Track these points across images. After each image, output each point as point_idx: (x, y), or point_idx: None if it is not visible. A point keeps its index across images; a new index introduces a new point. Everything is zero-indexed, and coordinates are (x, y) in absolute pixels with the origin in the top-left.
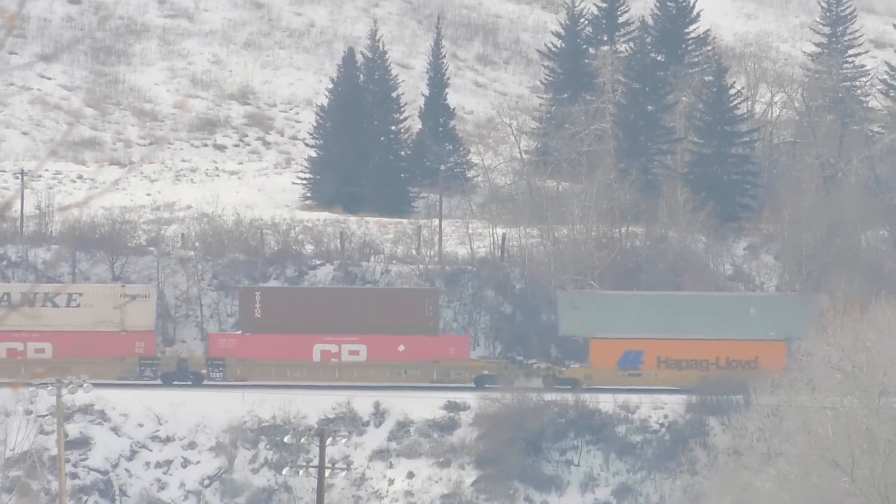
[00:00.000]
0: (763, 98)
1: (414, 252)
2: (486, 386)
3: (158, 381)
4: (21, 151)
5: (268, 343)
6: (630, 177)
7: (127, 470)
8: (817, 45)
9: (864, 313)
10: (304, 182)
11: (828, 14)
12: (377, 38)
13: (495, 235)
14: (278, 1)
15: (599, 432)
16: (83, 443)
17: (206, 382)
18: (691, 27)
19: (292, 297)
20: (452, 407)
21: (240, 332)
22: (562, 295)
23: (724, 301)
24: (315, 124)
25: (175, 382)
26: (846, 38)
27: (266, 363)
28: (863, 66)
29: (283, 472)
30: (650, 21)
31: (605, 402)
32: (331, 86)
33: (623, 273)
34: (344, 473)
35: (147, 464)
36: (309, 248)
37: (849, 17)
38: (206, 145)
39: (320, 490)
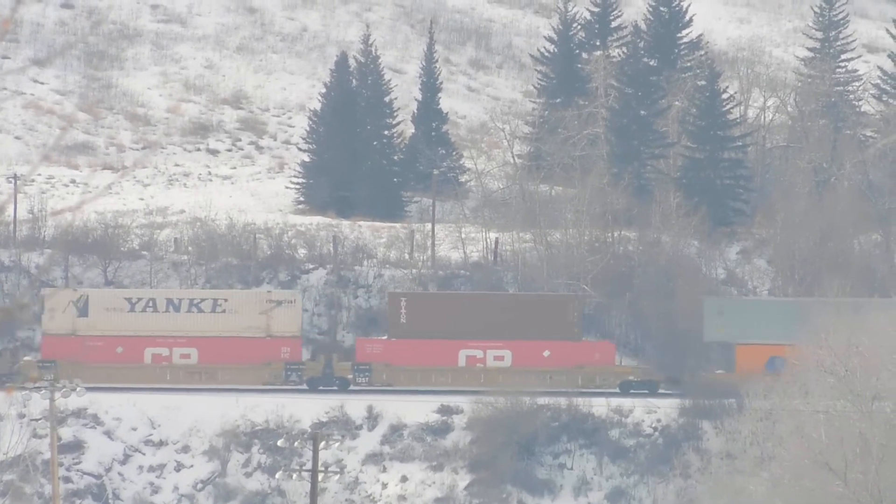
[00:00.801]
0: (756, 103)
1: (407, 256)
2: (631, 391)
3: (304, 387)
4: (14, 156)
5: (414, 348)
6: (623, 181)
7: (120, 474)
8: (810, 49)
9: (857, 317)
10: (297, 186)
11: (820, 19)
12: (370, 42)
13: (488, 240)
14: (271, 6)
15: (592, 436)
16: (77, 446)
17: (352, 388)
18: (684, 32)
19: (438, 302)
20: (445, 411)
21: (386, 337)
22: (707, 301)
23: (869, 305)
24: (308, 129)
25: (321, 388)
26: (839, 43)
27: (412, 368)
28: (855, 70)
29: (277, 475)
30: (643, 26)
31: (599, 406)
32: (324, 90)
33: (616, 277)
34: (337, 477)
35: (140, 468)
36: (302, 252)
37: (841, 21)
38: (199, 150)
39: (314, 494)
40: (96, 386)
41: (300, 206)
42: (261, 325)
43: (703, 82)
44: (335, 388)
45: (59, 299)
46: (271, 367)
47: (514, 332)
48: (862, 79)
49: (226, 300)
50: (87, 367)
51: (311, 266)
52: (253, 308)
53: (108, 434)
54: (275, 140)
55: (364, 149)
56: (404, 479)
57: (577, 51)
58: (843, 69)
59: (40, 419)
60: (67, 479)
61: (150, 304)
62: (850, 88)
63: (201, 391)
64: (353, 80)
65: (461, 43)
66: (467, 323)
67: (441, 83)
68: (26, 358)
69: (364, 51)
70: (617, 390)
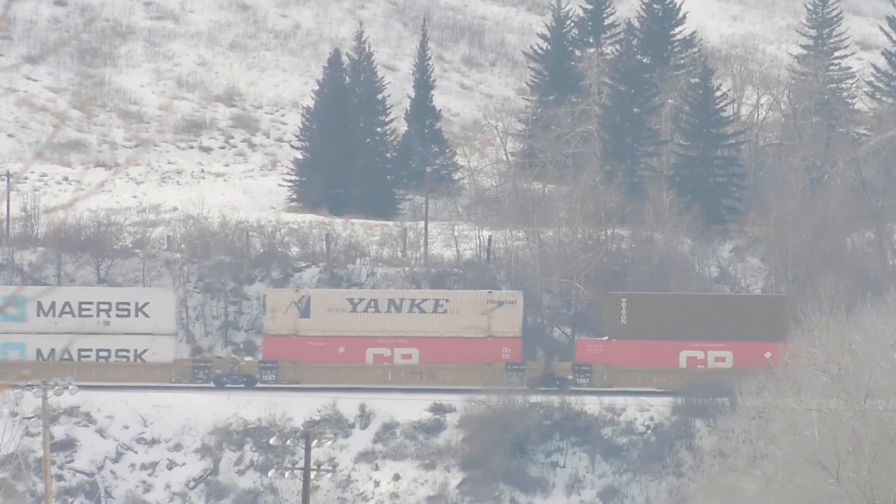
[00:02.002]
0: (749, 100)
1: (400, 254)
2: None
3: (525, 387)
4: (6, 153)
5: (634, 349)
6: (616, 179)
7: (112, 472)
8: (803, 47)
9: (850, 315)
10: (290, 184)
11: (814, 16)
12: (363, 39)
13: (481, 237)
14: (264, 3)
15: (585, 434)
16: (69, 445)
17: (572, 388)
18: (677, 29)
19: (659, 303)
20: (438, 409)
21: (606, 338)
22: None
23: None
24: (301, 126)
25: (541, 388)
26: (832, 41)
27: (632, 369)
28: (849, 68)
29: (269, 473)
30: (636, 23)
31: (591, 404)
32: (316, 88)
33: (609, 275)
34: (329, 475)
35: (132, 466)
36: (294, 250)
37: (835, 19)
38: (191, 147)
39: (306, 492)
40: (88, 384)
41: (293, 204)
42: (482, 326)
43: (697, 80)
44: (555, 388)
45: (281, 300)
46: (492, 368)
47: (735, 333)
48: (855, 76)
49: (447, 300)
50: (308, 368)
51: (303, 264)
52: (474, 308)
53: (101, 432)
54: (268, 137)
55: (357, 146)
56: (397, 477)
57: (571, 48)
58: (837, 66)
59: (33, 417)
60: (60, 478)
61: (372, 304)
62: (843, 86)
63: (192, 389)
64: (347, 78)
65: (454, 40)
66: (688, 323)
67: (434, 80)
68: (247, 358)
69: (357, 48)
70: None
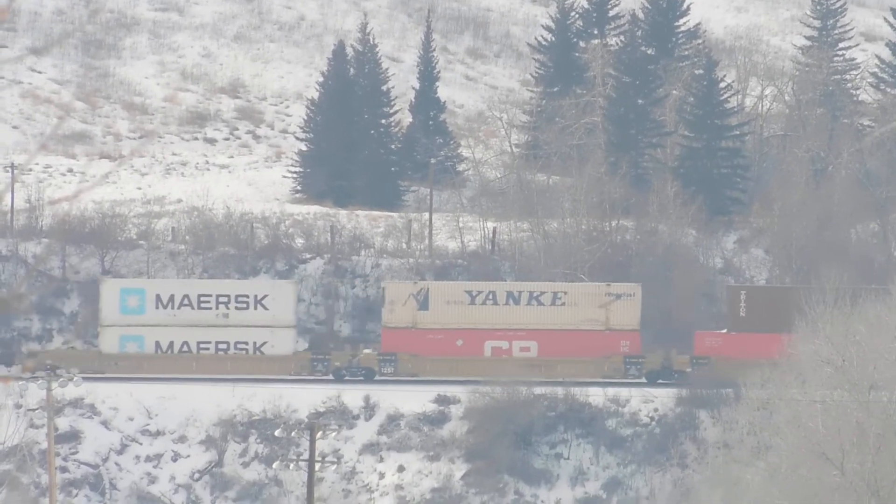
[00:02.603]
0: (753, 91)
1: (404, 246)
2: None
3: (643, 380)
4: (11, 145)
5: (753, 342)
6: (620, 170)
7: (117, 464)
8: (808, 38)
9: (855, 307)
10: (295, 175)
11: (818, 7)
12: (367, 31)
13: (486, 229)
14: None
15: (589, 426)
16: (73, 436)
17: (689, 382)
18: (681, 21)
19: (778, 295)
20: (442, 400)
21: (725, 330)
22: None
23: None
24: (305, 118)
25: (659, 381)
26: (836, 32)
27: (750, 362)
28: (853, 59)
29: (274, 465)
30: (640, 14)
31: (595, 396)
32: (321, 79)
33: (613, 267)
34: (334, 467)
35: (137, 457)
36: (299, 241)
37: (839, 10)
38: (196, 139)
39: (310, 484)
40: (92, 377)
41: (297, 196)
42: (600, 318)
43: (701, 71)
44: (673, 381)
45: (400, 292)
46: (610, 361)
47: None
48: (859, 67)
49: (565, 293)
50: (427, 360)
51: (308, 256)
52: (593, 301)
53: (105, 424)
54: (272, 129)
55: (361, 138)
56: (401, 468)
57: (575, 39)
58: (841, 58)
59: (37, 409)
60: (64, 469)
61: (490, 296)
62: (847, 77)
63: (197, 380)
64: (351, 69)
65: (459, 32)
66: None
67: (438, 72)
68: (366, 350)
69: (361, 40)
70: None
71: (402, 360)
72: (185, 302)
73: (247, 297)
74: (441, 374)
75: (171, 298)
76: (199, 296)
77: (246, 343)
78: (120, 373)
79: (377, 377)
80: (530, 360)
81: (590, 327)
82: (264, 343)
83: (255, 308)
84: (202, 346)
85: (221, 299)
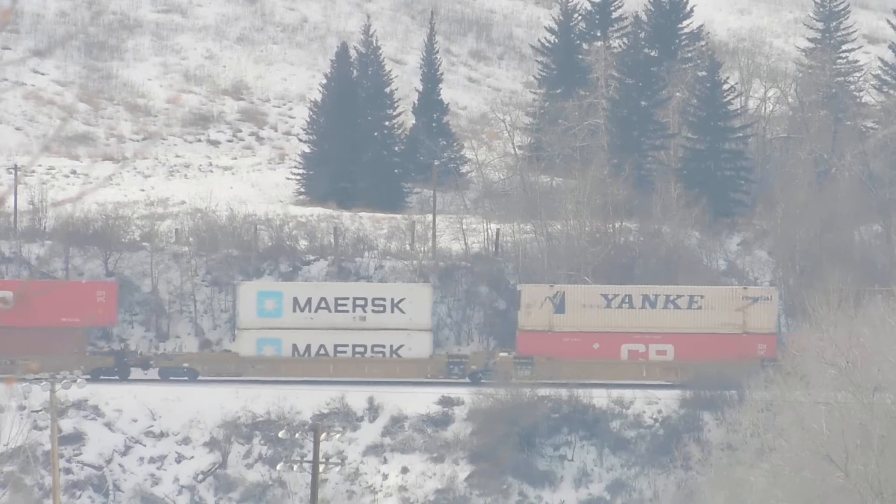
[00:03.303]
0: (756, 93)
1: (408, 247)
2: None
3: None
4: (14, 147)
5: None
6: (623, 172)
7: (121, 465)
8: (811, 40)
9: (858, 308)
10: (298, 177)
11: (821, 9)
12: (370, 33)
13: (489, 231)
14: None
15: (593, 427)
16: (77, 438)
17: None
18: (685, 22)
19: None
20: (446, 402)
21: None
22: None
23: None
24: (308, 119)
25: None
26: (839, 34)
27: None
28: (856, 61)
29: (278, 467)
30: (643, 16)
31: (599, 398)
32: (324, 81)
33: (617, 268)
34: (338, 469)
35: (141, 459)
36: (303, 243)
37: (842, 12)
38: (199, 141)
39: (314, 485)
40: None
41: (301, 197)
42: (737, 322)
43: (704, 73)
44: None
45: (536, 295)
46: (747, 364)
47: None
48: (862, 69)
49: (702, 296)
50: (563, 363)
51: (311, 257)
52: (729, 304)
53: (109, 425)
54: (275, 131)
55: (365, 140)
56: (405, 470)
57: (578, 41)
58: (844, 60)
59: (41, 410)
60: (68, 471)
61: (626, 300)
62: (850, 79)
63: (201, 382)
64: (354, 71)
65: (462, 33)
66: None
67: (442, 74)
68: (502, 354)
69: (365, 41)
70: None
71: (538, 363)
72: (323, 305)
73: (384, 299)
74: (577, 377)
75: (308, 301)
76: (336, 299)
77: (383, 346)
78: (257, 375)
79: (513, 380)
80: (667, 363)
81: (727, 331)
82: (401, 346)
83: (392, 311)
84: (339, 348)
85: (358, 302)
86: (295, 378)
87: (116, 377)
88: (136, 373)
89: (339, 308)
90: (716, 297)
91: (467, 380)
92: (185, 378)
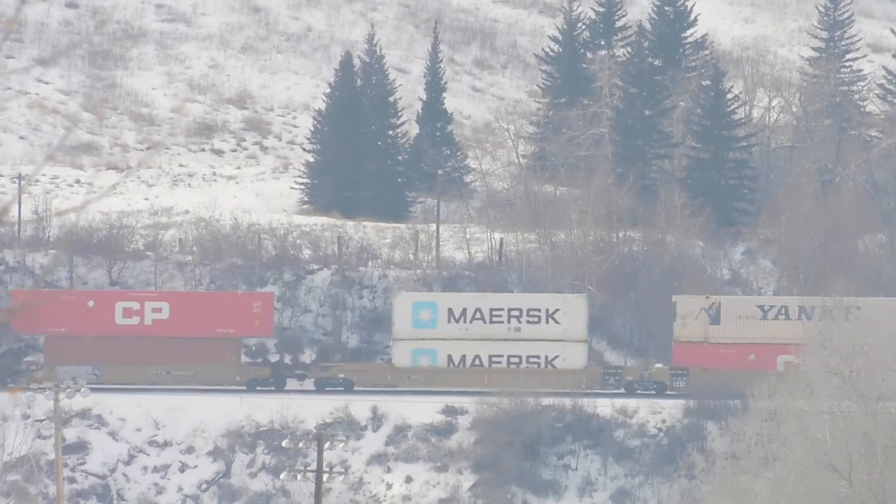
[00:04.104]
0: (761, 102)
1: (411, 257)
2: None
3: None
4: (18, 156)
5: None
6: (628, 181)
7: (125, 474)
8: (815, 49)
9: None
10: (302, 186)
11: (825, 18)
12: (374, 42)
13: (493, 240)
14: (276, 5)
15: (597, 437)
16: (81, 447)
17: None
18: (689, 32)
19: None
20: (450, 411)
21: None
22: None
23: None
24: (312, 129)
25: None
26: (844, 43)
27: None
28: (860, 70)
29: (281, 476)
30: (648, 25)
31: (603, 407)
32: (328, 90)
33: (620, 278)
34: (342, 478)
35: (145, 468)
36: (307, 252)
37: (846, 21)
38: (203, 150)
39: (318, 494)
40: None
41: (305, 207)
42: None
43: (708, 82)
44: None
45: (692, 306)
46: None
47: None
48: (867, 79)
49: (858, 308)
50: (718, 374)
51: (315, 266)
52: (891, 315)
53: (113, 435)
54: (279, 140)
55: (368, 149)
56: (409, 479)
57: (582, 50)
58: (848, 69)
59: (45, 420)
60: (72, 480)
61: (783, 311)
62: (854, 88)
63: (205, 391)
64: (358, 80)
65: (466, 43)
66: None
67: (446, 83)
68: (658, 365)
69: (369, 50)
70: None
71: (693, 374)
72: (478, 316)
73: (538, 310)
74: (733, 388)
75: (464, 312)
76: (491, 310)
77: (538, 357)
78: (412, 386)
79: (667, 392)
80: None
81: None
82: (556, 357)
83: (547, 322)
84: (494, 359)
85: (513, 313)
86: (451, 389)
87: (272, 388)
88: (291, 384)
89: (494, 319)
90: (875, 309)
91: (622, 391)
92: (341, 388)
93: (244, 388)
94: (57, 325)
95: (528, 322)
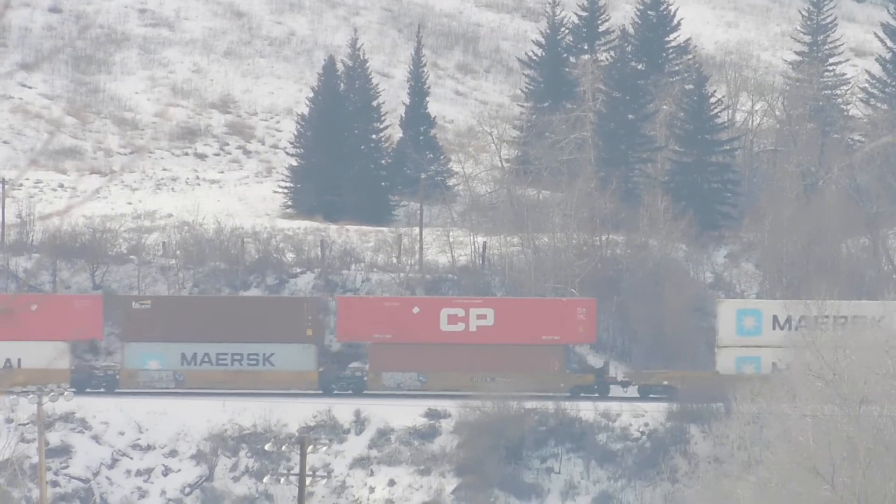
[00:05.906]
0: (744, 106)
1: (394, 260)
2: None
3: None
4: (2, 160)
5: None
6: (610, 185)
7: (108, 478)
8: (798, 53)
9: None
10: (285, 191)
11: (808, 23)
12: (357, 46)
13: (476, 244)
14: (259, 10)
15: (580, 440)
16: (64, 451)
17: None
18: (672, 36)
19: None
20: (433, 415)
21: None
22: None
23: None
24: (295, 133)
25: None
26: (827, 47)
27: None
28: (843, 74)
29: (264, 480)
30: (631, 30)
31: (586, 411)
32: (311, 95)
33: (603, 281)
34: (325, 481)
35: (128, 472)
36: (290, 256)
37: (829, 25)
38: (186, 154)
39: (301, 498)
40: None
41: (288, 211)
42: None
43: (691, 86)
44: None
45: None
46: None
47: None
48: (850, 83)
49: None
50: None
51: (298, 270)
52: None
53: (96, 438)
54: (262, 144)
55: (352, 153)
56: (392, 483)
57: (565, 55)
58: (831, 73)
59: (28, 424)
60: (55, 484)
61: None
62: (837, 92)
63: (188, 395)
64: (341, 85)
65: (449, 47)
66: None
67: (429, 87)
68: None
69: (352, 55)
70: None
71: None
72: (803, 323)
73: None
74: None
75: (788, 319)
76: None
77: None
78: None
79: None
80: None
81: None
82: None
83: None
84: None
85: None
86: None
87: (596, 395)
88: (615, 390)
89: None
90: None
91: None
92: (664, 396)
93: (568, 394)
94: (382, 332)
95: None
